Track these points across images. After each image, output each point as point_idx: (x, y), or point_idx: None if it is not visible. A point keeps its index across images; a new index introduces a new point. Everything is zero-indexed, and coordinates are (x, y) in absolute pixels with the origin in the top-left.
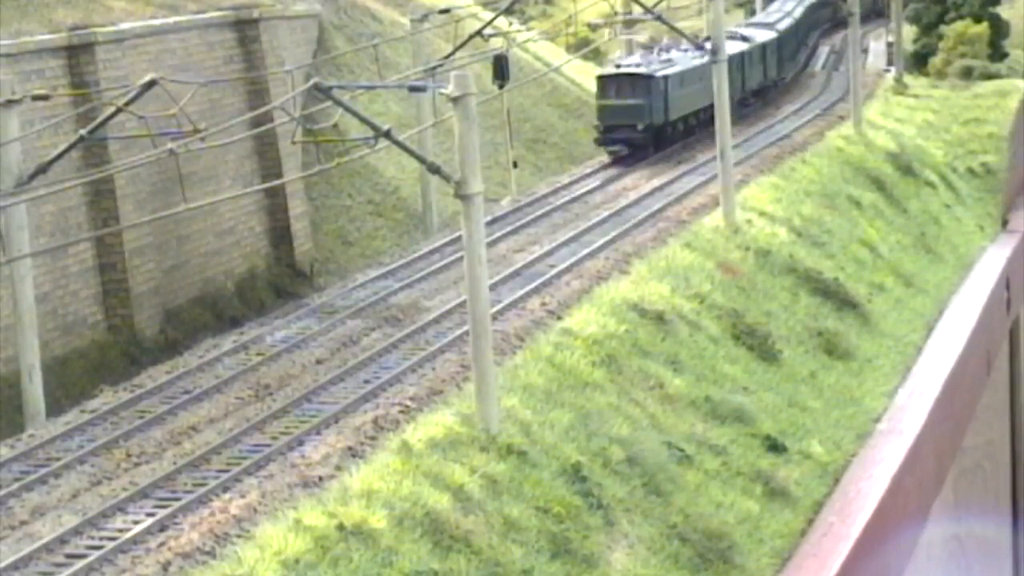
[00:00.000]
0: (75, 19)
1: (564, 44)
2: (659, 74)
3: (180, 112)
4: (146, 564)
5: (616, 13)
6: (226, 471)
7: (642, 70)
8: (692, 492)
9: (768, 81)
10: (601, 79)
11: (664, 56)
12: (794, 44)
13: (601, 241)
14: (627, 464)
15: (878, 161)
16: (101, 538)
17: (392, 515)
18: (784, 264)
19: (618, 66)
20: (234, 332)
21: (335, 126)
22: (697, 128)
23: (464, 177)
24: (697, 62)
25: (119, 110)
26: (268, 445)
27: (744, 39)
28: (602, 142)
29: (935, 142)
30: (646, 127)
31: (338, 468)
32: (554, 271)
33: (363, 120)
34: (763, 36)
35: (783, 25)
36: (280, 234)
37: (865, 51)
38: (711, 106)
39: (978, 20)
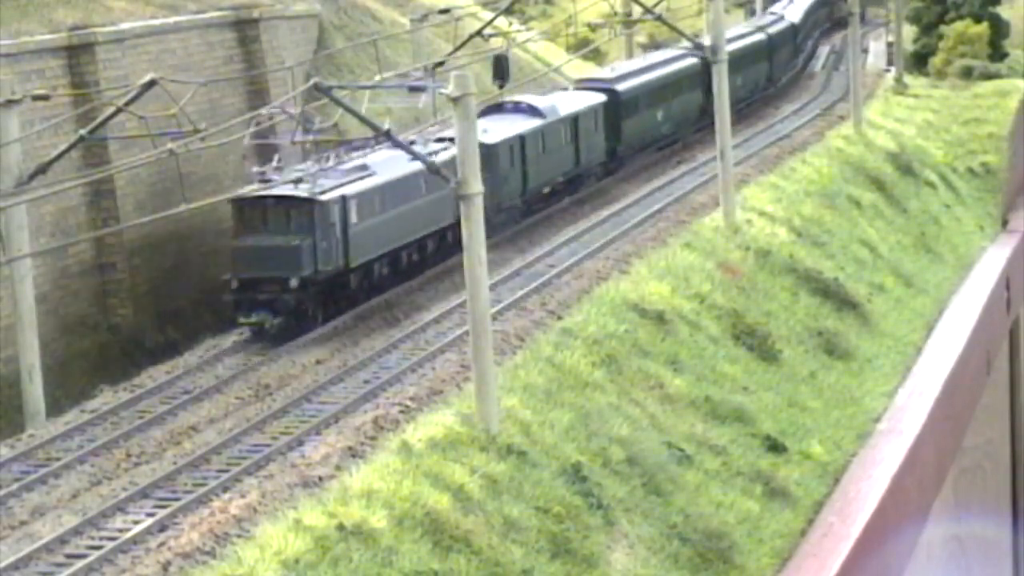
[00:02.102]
0: (75, 19)
1: (564, 44)
2: (330, 195)
3: (180, 112)
4: (146, 564)
5: (616, 13)
6: (226, 471)
7: (301, 190)
8: (692, 492)
9: (585, 167)
10: (236, 205)
11: (353, 161)
12: (656, 103)
13: (601, 241)
14: (627, 464)
15: (878, 161)
16: (101, 538)
17: (392, 515)
18: (784, 264)
19: (265, 181)
20: (234, 332)
21: (335, 126)
22: (421, 265)
23: (464, 177)
24: (414, 167)
25: (119, 110)
26: (268, 445)
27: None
28: (235, 306)
29: (935, 142)
30: (304, 282)
31: (338, 468)
32: (554, 271)
33: (363, 120)
34: (588, 101)
35: (633, 83)
36: None
37: (865, 51)
38: (446, 230)
39: (978, 20)
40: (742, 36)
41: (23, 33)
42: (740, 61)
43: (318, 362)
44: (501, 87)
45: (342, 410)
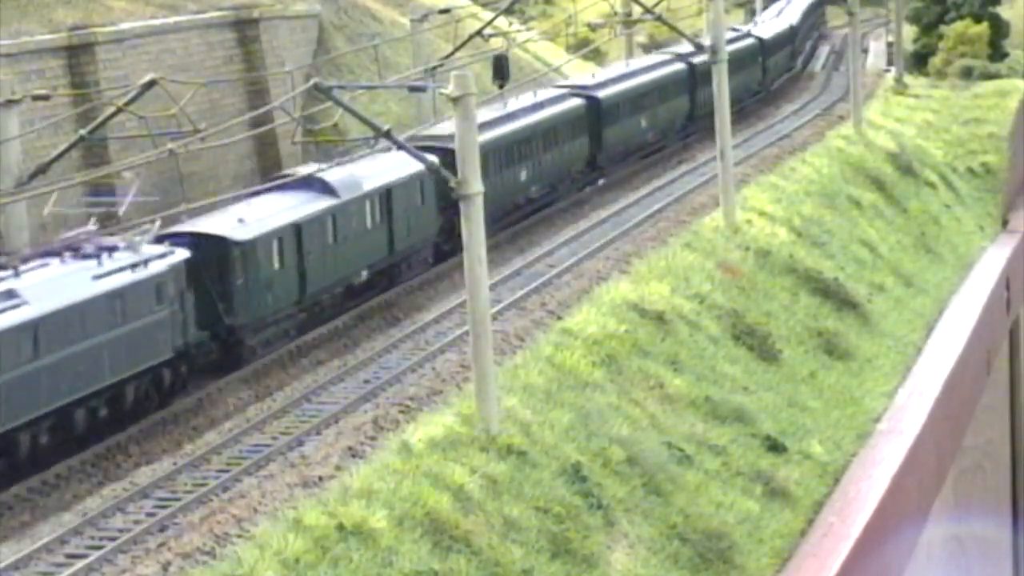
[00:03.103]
0: (75, 19)
1: (564, 44)
2: None
3: (180, 112)
4: (146, 564)
5: (616, 13)
6: (226, 471)
7: None
8: (692, 492)
9: (406, 252)
10: None
11: None
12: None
13: (601, 241)
14: (627, 464)
15: (878, 161)
16: (101, 538)
17: (392, 515)
18: (784, 264)
19: None
20: None
21: (335, 126)
22: (119, 422)
23: (464, 177)
24: (103, 287)
25: (119, 110)
26: (268, 445)
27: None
28: None
29: (935, 142)
30: None
31: (338, 468)
32: (554, 271)
33: (363, 120)
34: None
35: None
36: None
37: (865, 51)
38: (161, 368)
39: (978, 20)
40: (648, 69)
41: (23, 33)
42: (638, 102)
43: (318, 362)
44: (501, 87)
45: (342, 410)
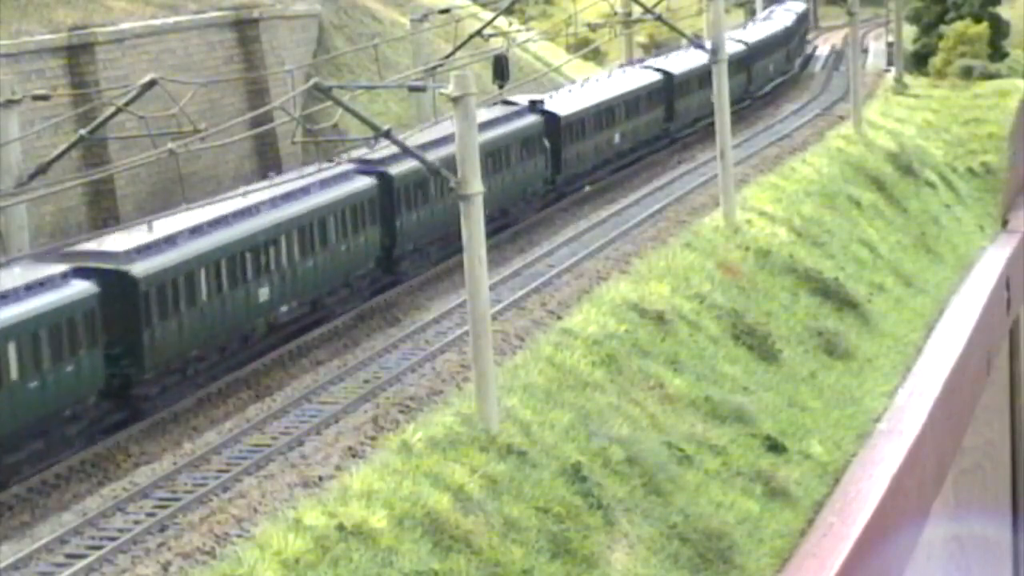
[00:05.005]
0: (75, 19)
1: (564, 44)
2: None
3: (180, 112)
4: (146, 564)
5: (616, 13)
6: (226, 471)
7: None
8: (692, 492)
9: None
10: None
11: None
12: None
13: (601, 241)
14: (627, 464)
15: (878, 161)
16: (101, 538)
17: (392, 515)
18: (784, 264)
19: None
20: None
21: (335, 126)
22: None
23: (464, 177)
24: None
25: (119, 110)
26: (268, 445)
27: None
28: None
29: (935, 142)
30: None
31: (338, 468)
32: (554, 271)
33: (363, 120)
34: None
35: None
36: None
37: (865, 51)
38: None
39: (978, 20)
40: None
41: (23, 33)
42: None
43: (318, 362)
44: (501, 87)
45: (342, 410)
